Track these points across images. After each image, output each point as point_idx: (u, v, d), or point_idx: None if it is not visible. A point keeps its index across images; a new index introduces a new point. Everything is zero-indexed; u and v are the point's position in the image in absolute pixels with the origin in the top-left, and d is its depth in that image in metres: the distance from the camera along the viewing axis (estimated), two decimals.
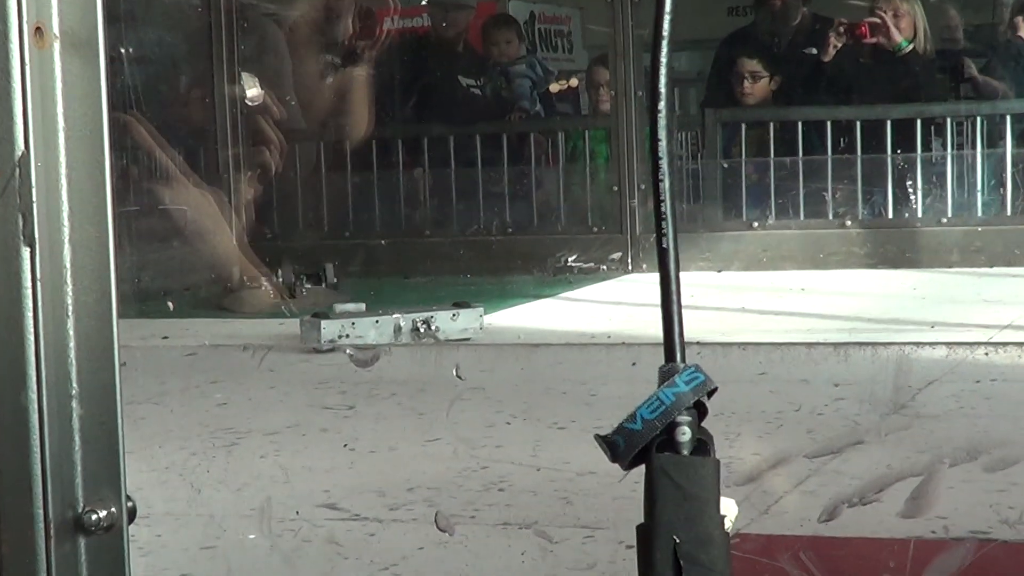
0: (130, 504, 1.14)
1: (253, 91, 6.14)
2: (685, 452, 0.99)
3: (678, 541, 0.97)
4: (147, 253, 7.28)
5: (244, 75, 7.69)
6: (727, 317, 6.11)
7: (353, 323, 5.51)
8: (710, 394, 1.00)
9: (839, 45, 8.03)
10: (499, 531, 3.03)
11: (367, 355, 4.98)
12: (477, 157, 8.43)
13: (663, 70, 0.98)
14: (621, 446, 0.99)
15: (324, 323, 5.44)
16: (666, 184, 0.99)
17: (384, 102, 8.69)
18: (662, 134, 0.99)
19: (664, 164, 0.99)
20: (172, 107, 8.35)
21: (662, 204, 0.99)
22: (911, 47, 7.91)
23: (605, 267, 8.06)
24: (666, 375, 1.00)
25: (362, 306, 5.74)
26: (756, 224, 8.02)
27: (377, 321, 5.59)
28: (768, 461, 3.37)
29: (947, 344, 4.92)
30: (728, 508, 0.98)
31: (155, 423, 4.13)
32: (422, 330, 5.58)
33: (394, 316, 5.61)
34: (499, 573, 2.79)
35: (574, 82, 9.47)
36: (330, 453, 3.78)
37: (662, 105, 0.98)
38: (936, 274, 7.43)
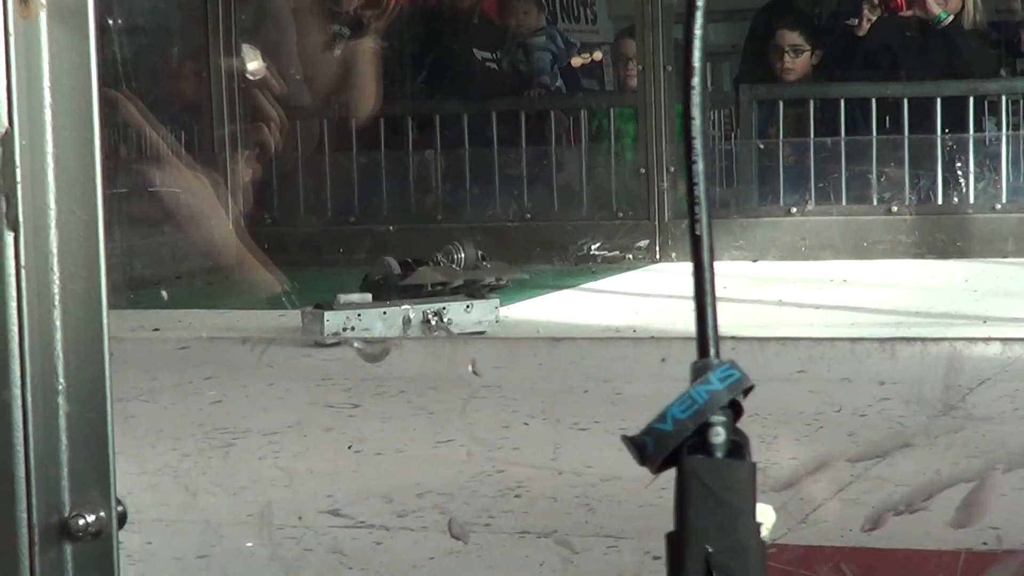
0: (120, 508, 1.14)
1: (254, 64, 6.12)
2: (719, 455, 0.98)
3: (711, 551, 0.97)
4: (138, 239, 7.30)
5: (245, 47, 7.70)
6: (763, 311, 6.10)
7: (359, 315, 5.52)
8: (746, 392, 1.00)
9: (873, 18, 8.01)
10: (516, 540, 3.03)
11: (376, 349, 4.99)
12: (493, 136, 8.43)
13: (697, 42, 0.98)
14: (650, 448, 0.98)
15: (328, 315, 5.45)
16: (700, 166, 0.99)
17: (393, 77, 8.70)
18: (695, 112, 0.98)
19: (698, 144, 0.99)
20: (165, 82, 8.37)
21: (695, 188, 0.99)
22: (950, 19, 7.88)
23: (631, 256, 8.06)
24: (699, 372, 0.99)
25: (368, 296, 5.74)
26: (795, 210, 8.01)
27: (384, 313, 5.59)
28: (807, 466, 3.37)
29: (1001, 340, 4.92)
30: (765, 515, 0.98)
31: (146, 422, 4.14)
32: (433, 323, 5.58)
33: (403, 307, 5.62)
34: None
35: (598, 55, 9.46)
36: (334, 455, 3.79)
37: (696, 80, 0.98)
38: (989, 265, 7.42)
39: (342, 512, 3.26)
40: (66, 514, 1.12)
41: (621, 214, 8.19)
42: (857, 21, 8.12)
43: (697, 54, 0.96)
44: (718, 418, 0.97)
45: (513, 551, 2.97)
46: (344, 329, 5.44)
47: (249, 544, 3.06)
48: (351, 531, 3.13)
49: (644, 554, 2.83)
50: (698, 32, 0.97)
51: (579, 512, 3.20)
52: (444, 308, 5.65)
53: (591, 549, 2.93)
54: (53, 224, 1.11)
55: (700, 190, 0.98)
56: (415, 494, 3.36)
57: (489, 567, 2.88)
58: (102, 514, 1.12)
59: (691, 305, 1.01)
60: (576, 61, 9.13)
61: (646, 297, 6.68)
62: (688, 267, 1.00)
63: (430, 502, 3.31)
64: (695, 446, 0.97)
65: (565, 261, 8.04)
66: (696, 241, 0.98)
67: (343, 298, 5.65)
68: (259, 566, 2.96)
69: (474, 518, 3.15)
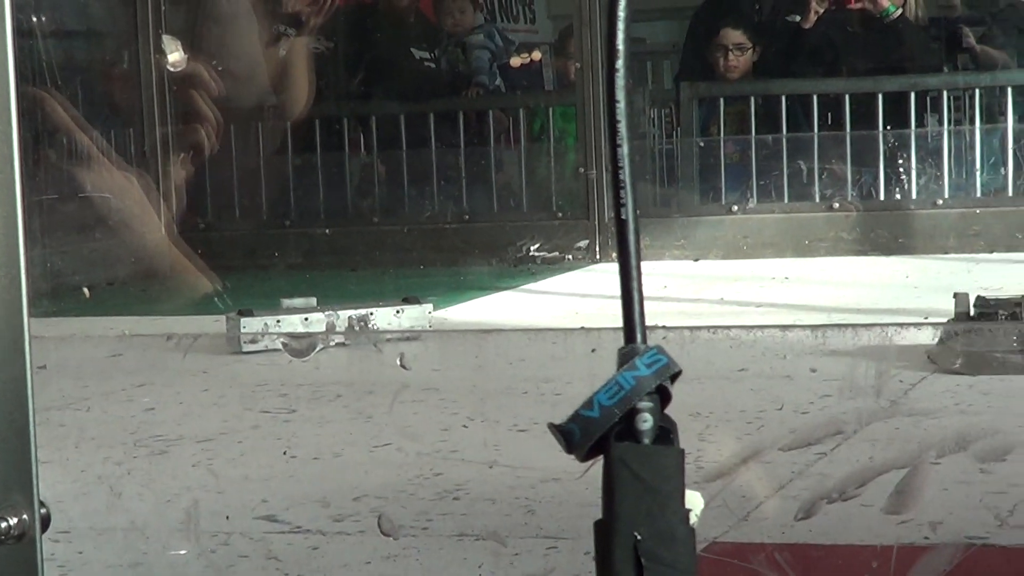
0: (44, 511, 1.13)
1: (175, 55, 6.08)
2: (646, 441, 0.99)
3: (639, 537, 0.97)
4: (65, 244, 7.25)
5: (165, 38, 7.65)
6: (704, 309, 6.13)
7: (279, 320, 5.47)
8: (674, 378, 1.00)
9: (820, 11, 8.07)
10: (454, 542, 3.03)
11: (303, 344, 4.97)
12: (430, 137, 8.43)
13: (621, 24, 0.98)
14: (577, 435, 0.99)
15: (244, 321, 5.40)
16: (624, 149, 0.99)
17: (329, 77, 8.68)
18: (620, 95, 0.99)
19: (622, 128, 0.99)
20: (92, 82, 8.31)
21: (620, 171, 0.99)
22: (899, 12, 7.95)
23: (571, 256, 8.07)
24: (626, 357, 1.00)
25: (312, 301, 5.69)
26: (736, 208, 8.05)
27: (306, 319, 5.52)
28: (740, 455, 3.39)
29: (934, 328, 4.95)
30: (693, 501, 0.98)
31: (75, 430, 4.11)
32: (357, 329, 5.52)
33: (326, 313, 5.55)
34: None
35: (537, 55, 9.46)
36: (268, 460, 3.77)
37: (620, 63, 0.99)
38: (931, 261, 7.48)
39: (277, 518, 3.25)
40: None
41: (560, 214, 8.21)
42: (800, 17, 8.17)
43: (621, 36, 0.97)
44: (645, 404, 0.97)
45: (451, 554, 2.97)
46: (263, 336, 5.39)
47: (182, 551, 3.04)
48: (286, 536, 3.12)
49: (584, 555, 2.83)
50: (622, 15, 0.98)
51: (518, 514, 3.20)
52: (371, 314, 5.56)
53: (530, 550, 2.94)
54: None
55: (625, 173, 0.98)
56: (351, 498, 3.36)
57: (427, 570, 2.88)
58: (25, 516, 1.12)
59: None
60: (515, 61, 9.14)
61: (585, 297, 6.69)
62: None
63: (367, 506, 3.30)
64: (622, 433, 0.97)
65: (504, 262, 8.05)
66: (622, 224, 0.98)
67: (286, 303, 5.61)
68: (192, 574, 2.95)
69: (412, 521, 3.15)
